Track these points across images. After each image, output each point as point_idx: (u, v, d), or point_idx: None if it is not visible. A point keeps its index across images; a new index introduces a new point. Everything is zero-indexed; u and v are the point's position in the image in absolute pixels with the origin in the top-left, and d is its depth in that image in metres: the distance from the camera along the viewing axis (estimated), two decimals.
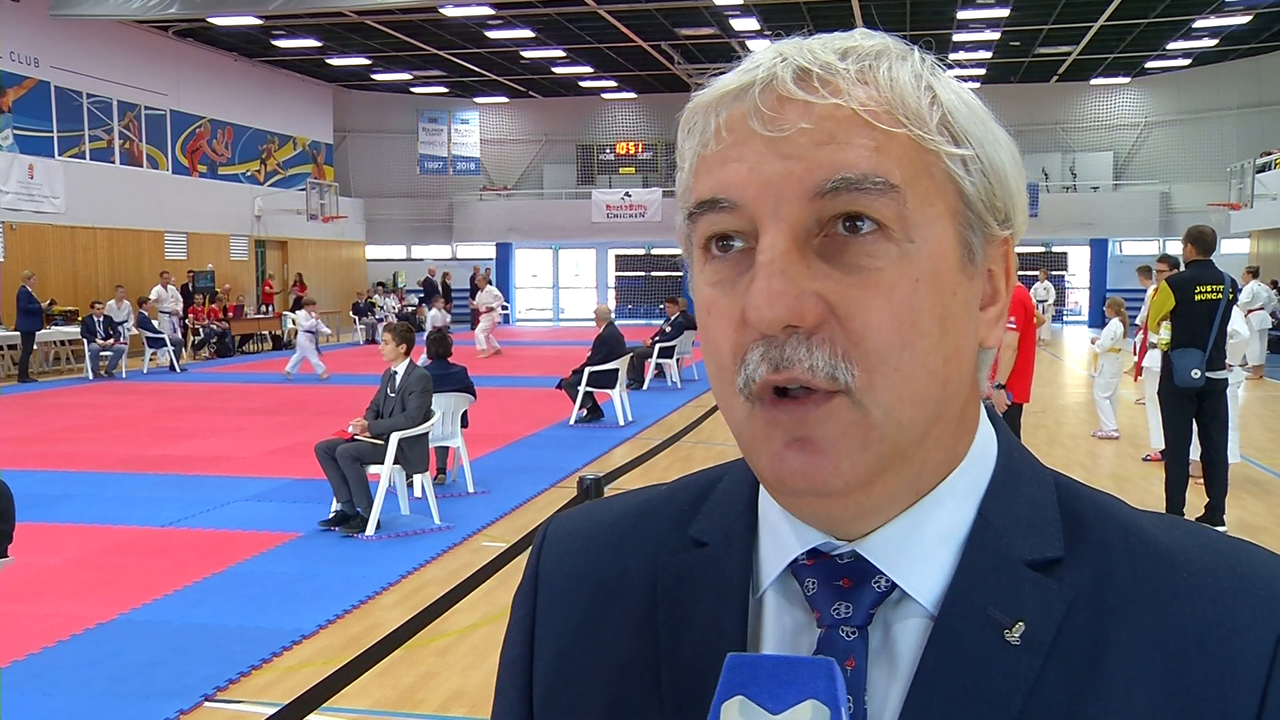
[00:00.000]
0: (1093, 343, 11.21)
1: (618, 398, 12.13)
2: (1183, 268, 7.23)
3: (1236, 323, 7.90)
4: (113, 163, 22.60)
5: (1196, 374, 6.79)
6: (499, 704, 0.77)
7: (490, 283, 22.13)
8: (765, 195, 0.59)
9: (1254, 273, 19.24)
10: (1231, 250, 24.32)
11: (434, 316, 17.58)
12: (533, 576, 0.77)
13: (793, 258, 0.58)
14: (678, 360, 16.11)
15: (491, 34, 24.65)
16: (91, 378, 17.10)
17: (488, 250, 33.44)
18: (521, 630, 0.76)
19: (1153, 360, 8.13)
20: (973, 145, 0.62)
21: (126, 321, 18.42)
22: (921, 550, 0.63)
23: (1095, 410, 10.99)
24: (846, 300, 0.58)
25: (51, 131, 20.96)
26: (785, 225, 0.58)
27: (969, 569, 0.63)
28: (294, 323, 24.92)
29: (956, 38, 24.19)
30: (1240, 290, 18.86)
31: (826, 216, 0.59)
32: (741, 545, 0.69)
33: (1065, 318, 30.87)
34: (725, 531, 0.70)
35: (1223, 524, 6.98)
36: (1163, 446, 9.32)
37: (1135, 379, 8.88)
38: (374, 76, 30.85)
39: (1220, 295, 6.86)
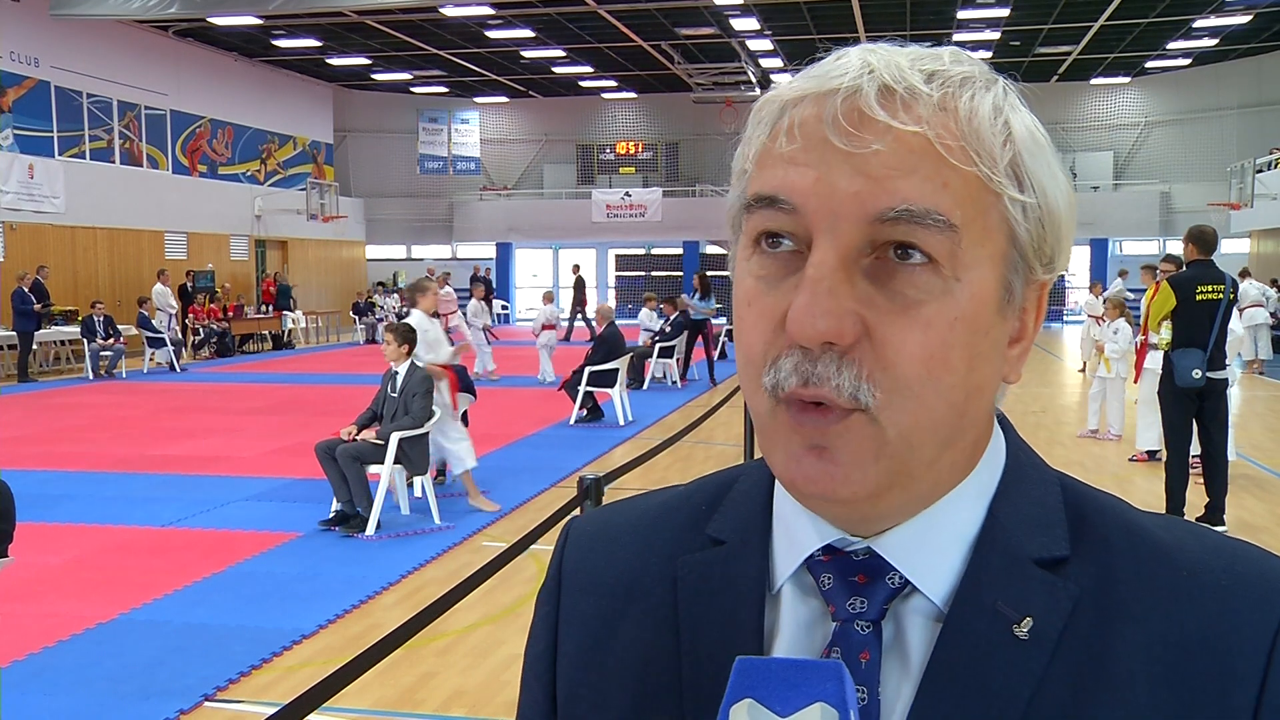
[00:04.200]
0: (1099, 349, 11.09)
1: (618, 398, 12.13)
2: (1184, 267, 7.24)
3: (1232, 320, 7.90)
4: (113, 163, 22.61)
5: (1197, 374, 6.80)
6: (524, 700, 0.79)
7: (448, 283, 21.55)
8: (825, 208, 0.60)
9: (1244, 273, 19.52)
10: (1231, 250, 24.33)
11: (473, 309, 16.86)
12: (555, 575, 0.79)
13: (840, 277, 0.59)
14: (677, 360, 16.13)
15: (491, 34, 24.65)
16: (91, 378, 17.10)
17: (488, 250, 33.45)
18: (545, 627, 0.78)
19: (1154, 361, 8.11)
20: (1035, 192, 0.63)
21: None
22: (935, 548, 0.65)
23: (1107, 412, 10.87)
24: (884, 326, 0.60)
25: (51, 131, 20.96)
26: (839, 243, 0.59)
27: (979, 566, 0.65)
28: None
29: (957, 38, 24.18)
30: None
31: (880, 240, 0.60)
32: (758, 543, 0.70)
33: (1065, 318, 30.87)
34: (742, 530, 0.72)
35: (1223, 523, 6.98)
36: (1149, 447, 9.35)
37: (1134, 380, 8.84)
38: (374, 76, 30.85)
39: (1221, 295, 6.87)
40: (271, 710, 4.31)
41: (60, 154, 21.11)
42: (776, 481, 0.71)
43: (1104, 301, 11.60)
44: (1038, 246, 0.63)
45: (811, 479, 0.61)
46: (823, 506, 0.64)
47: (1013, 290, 0.63)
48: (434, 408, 7.49)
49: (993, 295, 0.62)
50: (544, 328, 16.54)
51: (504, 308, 32.84)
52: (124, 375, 17.36)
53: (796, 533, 0.68)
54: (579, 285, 27.58)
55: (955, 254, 0.60)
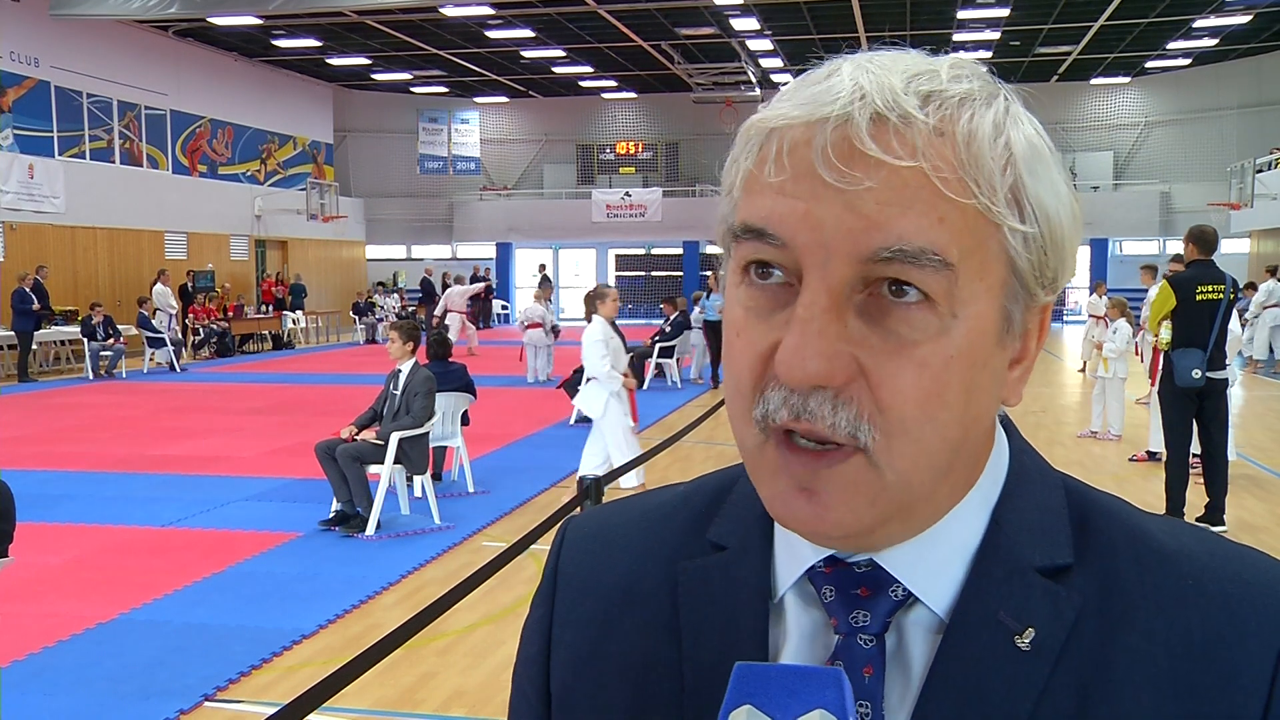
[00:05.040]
0: (1098, 348, 11.07)
1: None
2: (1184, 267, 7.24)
3: (1231, 320, 7.90)
4: (113, 163, 22.60)
5: (1197, 374, 6.80)
6: (516, 701, 0.78)
7: (454, 282, 22.61)
8: (816, 245, 0.57)
9: (1273, 271, 19.48)
10: (1232, 250, 24.33)
11: (533, 311, 16.59)
12: (551, 575, 0.78)
13: (831, 317, 0.57)
14: (678, 360, 16.13)
15: (491, 34, 24.65)
16: (91, 378, 17.10)
17: (488, 250, 33.45)
18: (540, 629, 0.77)
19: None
20: (1038, 219, 0.60)
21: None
22: (938, 560, 0.64)
23: (1106, 412, 10.87)
24: (878, 366, 0.58)
25: (51, 131, 20.95)
26: (829, 281, 0.57)
27: (981, 576, 0.64)
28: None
29: (956, 38, 24.19)
30: (1257, 289, 19.17)
31: (873, 277, 0.58)
32: (759, 550, 0.69)
33: (1065, 318, 30.87)
34: (742, 536, 0.71)
35: (1223, 523, 6.99)
36: (1153, 448, 9.34)
37: (1154, 383, 8.78)
38: (374, 76, 30.85)
39: (1221, 295, 6.87)
40: (271, 710, 4.31)
41: (60, 154, 21.10)
42: None
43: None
44: (1039, 273, 0.61)
45: (800, 519, 0.60)
46: (814, 539, 0.63)
47: (1012, 319, 0.61)
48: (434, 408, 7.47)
49: (992, 327, 0.60)
50: (529, 326, 16.46)
51: (504, 308, 32.85)
52: (124, 375, 17.36)
53: (796, 543, 0.66)
54: (543, 284, 27.66)
55: (952, 291, 0.57)
